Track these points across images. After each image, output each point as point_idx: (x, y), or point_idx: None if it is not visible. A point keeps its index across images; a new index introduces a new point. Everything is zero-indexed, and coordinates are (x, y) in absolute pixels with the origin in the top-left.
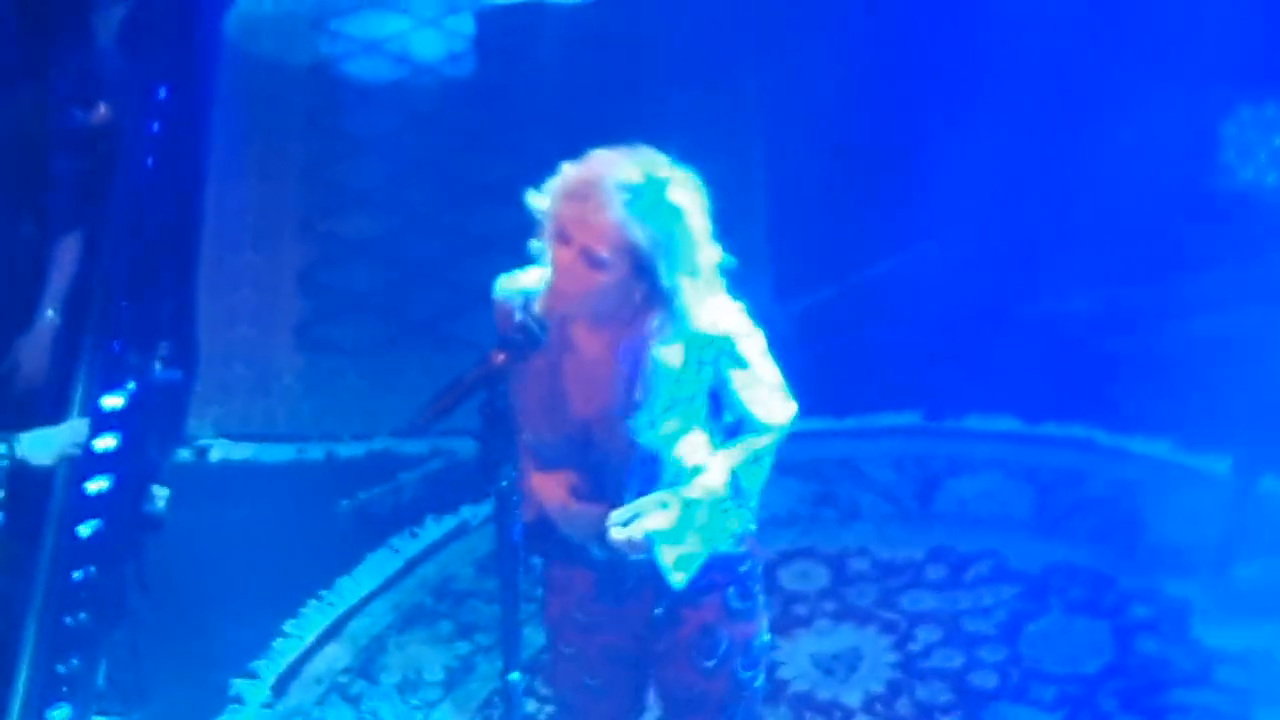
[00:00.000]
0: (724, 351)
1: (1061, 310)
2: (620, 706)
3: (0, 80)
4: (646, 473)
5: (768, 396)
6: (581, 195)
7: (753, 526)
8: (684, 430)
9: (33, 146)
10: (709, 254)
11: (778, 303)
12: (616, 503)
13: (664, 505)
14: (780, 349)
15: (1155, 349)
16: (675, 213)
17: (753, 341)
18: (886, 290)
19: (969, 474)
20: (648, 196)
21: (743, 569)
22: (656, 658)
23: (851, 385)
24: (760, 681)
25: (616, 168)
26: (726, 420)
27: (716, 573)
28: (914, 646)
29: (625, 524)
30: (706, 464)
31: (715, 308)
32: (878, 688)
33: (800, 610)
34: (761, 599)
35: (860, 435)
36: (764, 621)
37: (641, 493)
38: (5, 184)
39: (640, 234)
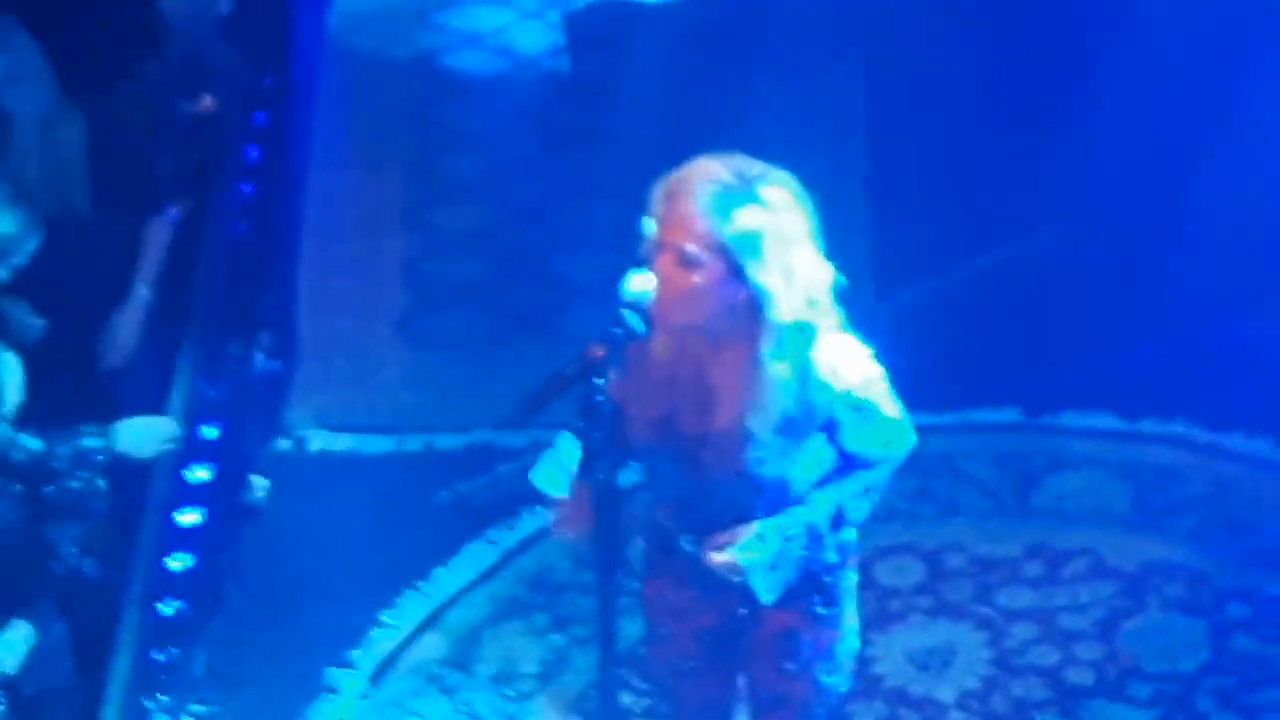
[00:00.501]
0: (839, 398)
1: (1161, 307)
2: (715, 690)
3: (107, 72)
4: (750, 499)
5: (884, 435)
6: (671, 196)
7: (852, 537)
8: (792, 463)
9: (138, 138)
10: (815, 266)
11: (878, 298)
12: (715, 521)
13: (761, 538)
14: (879, 344)
15: (1256, 346)
16: (766, 206)
17: (869, 378)
18: (986, 286)
19: (1067, 471)
20: (736, 192)
21: (829, 578)
22: (743, 653)
23: (950, 381)
24: (845, 686)
25: (707, 169)
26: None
27: (803, 579)
28: (1009, 643)
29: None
30: (811, 496)
31: (835, 351)
32: (972, 683)
33: (895, 605)
34: (851, 606)
35: (959, 431)
36: (851, 627)
37: (742, 517)
38: (111, 175)
39: (726, 226)
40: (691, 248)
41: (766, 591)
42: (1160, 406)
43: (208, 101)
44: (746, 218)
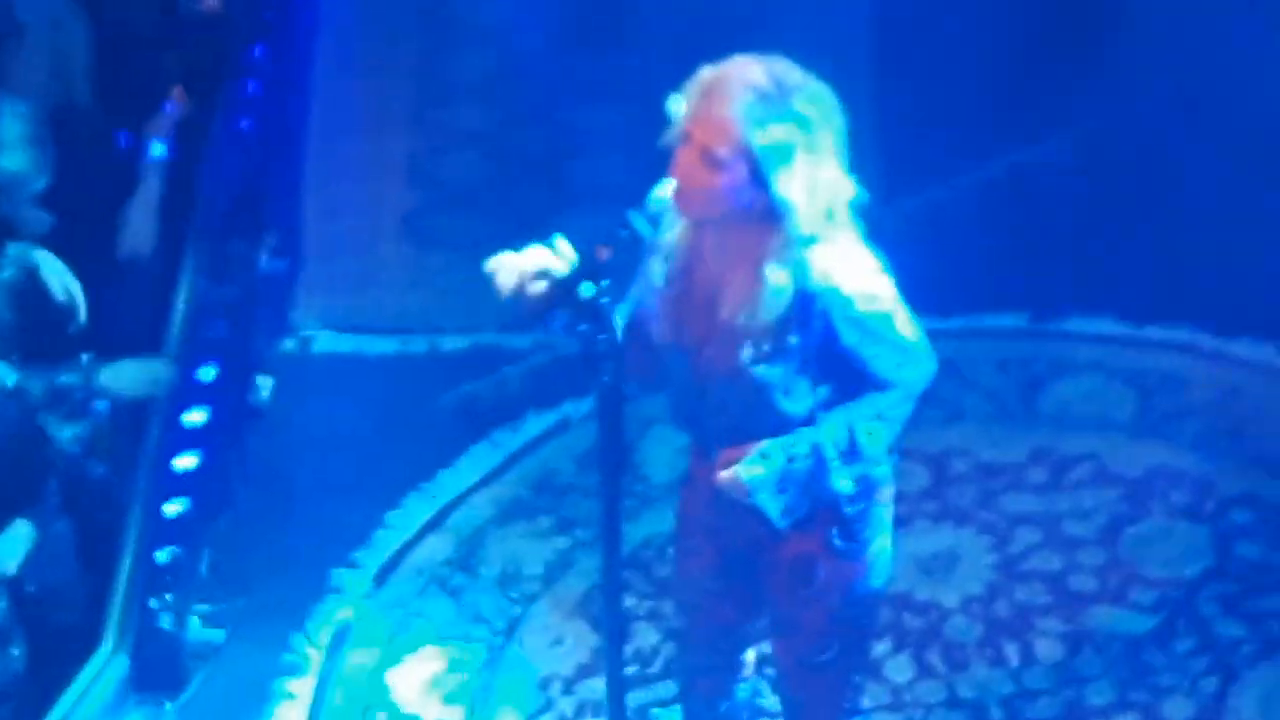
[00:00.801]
0: (832, 305)
1: (1167, 213)
2: (734, 613)
3: None
4: (753, 411)
5: (890, 354)
6: (706, 93)
7: (882, 471)
8: (794, 379)
9: (144, 37)
10: (838, 182)
11: (885, 202)
12: (724, 436)
13: (764, 453)
14: (887, 248)
15: (1262, 252)
16: (800, 120)
17: (868, 293)
18: (993, 193)
19: (1072, 376)
20: (772, 100)
21: (850, 510)
22: (764, 570)
23: (957, 286)
24: (865, 622)
25: (747, 70)
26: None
27: (823, 508)
28: (1013, 548)
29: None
30: (820, 417)
31: (841, 257)
32: (976, 589)
33: (900, 510)
34: (879, 543)
35: (964, 336)
36: (878, 565)
37: (748, 434)
38: (117, 75)
39: (758, 136)
40: (721, 149)
41: (778, 514)
42: (1166, 312)
43: (212, 1)
44: (779, 131)
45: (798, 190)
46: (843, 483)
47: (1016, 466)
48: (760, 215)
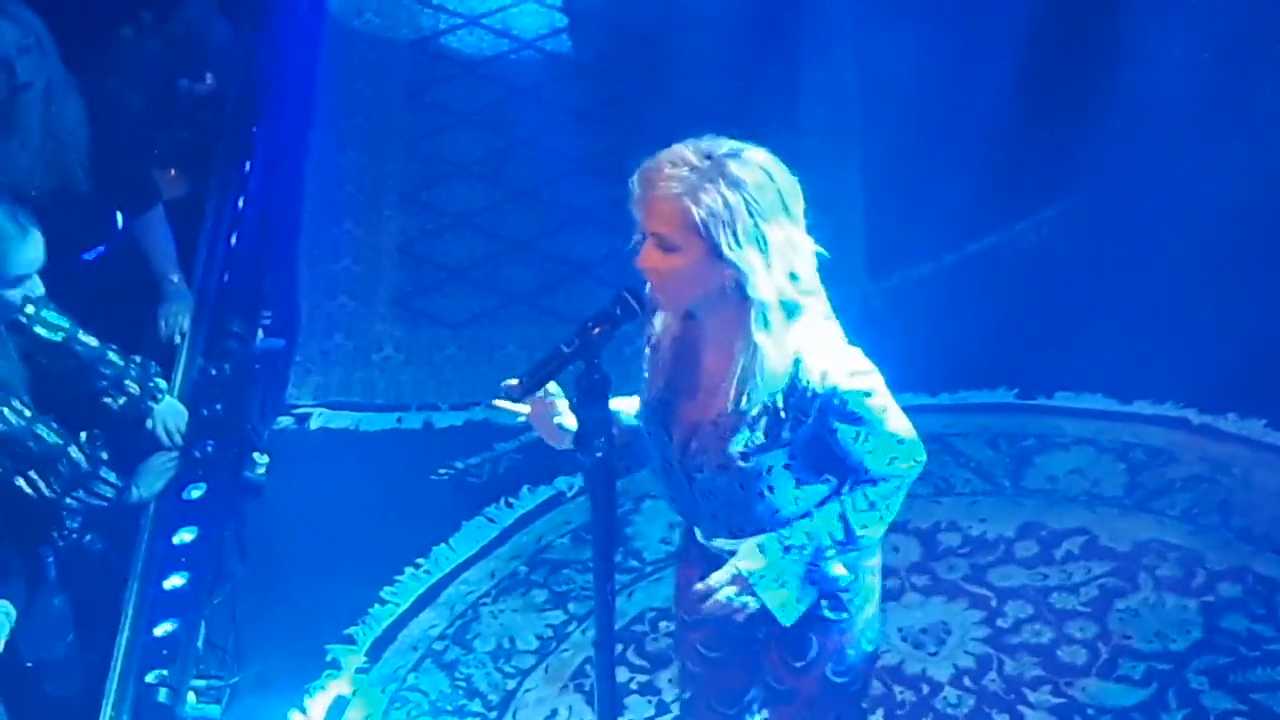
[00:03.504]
0: (828, 403)
1: (1154, 288)
2: (736, 680)
3: (106, 50)
4: (739, 501)
5: (884, 449)
6: (645, 184)
7: (870, 554)
8: (782, 472)
9: (137, 116)
10: (794, 240)
11: (871, 278)
12: (710, 524)
13: (761, 548)
14: (873, 325)
15: (1249, 329)
16: (735, 183)
17: (863, 389)
18: (980, 268)
19: (1060, 451)
20: (704, 171)
21: (841, 582)
22: (761, 644)
23: (944, 362)
24: (858, 687)
25: (676, 152)
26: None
27: (819, 585)
28: (1003, 622)
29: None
30: (814, 510)
31: (834, 355)
32: (967, 662)
33: (891, 584)
34: (867, 610)
35: (952, 411)
36: (867, 631)
37: (734, 522)
38: (111, 153)
39: (697, 210)
40: (669, 232)
41: (781, 610)
42: (1153, 388)
43: (208, 81)
44: (715, 196)
45: (750, 252)
46: (839, 570)
47: (1006, 541)
48: (732, 295)
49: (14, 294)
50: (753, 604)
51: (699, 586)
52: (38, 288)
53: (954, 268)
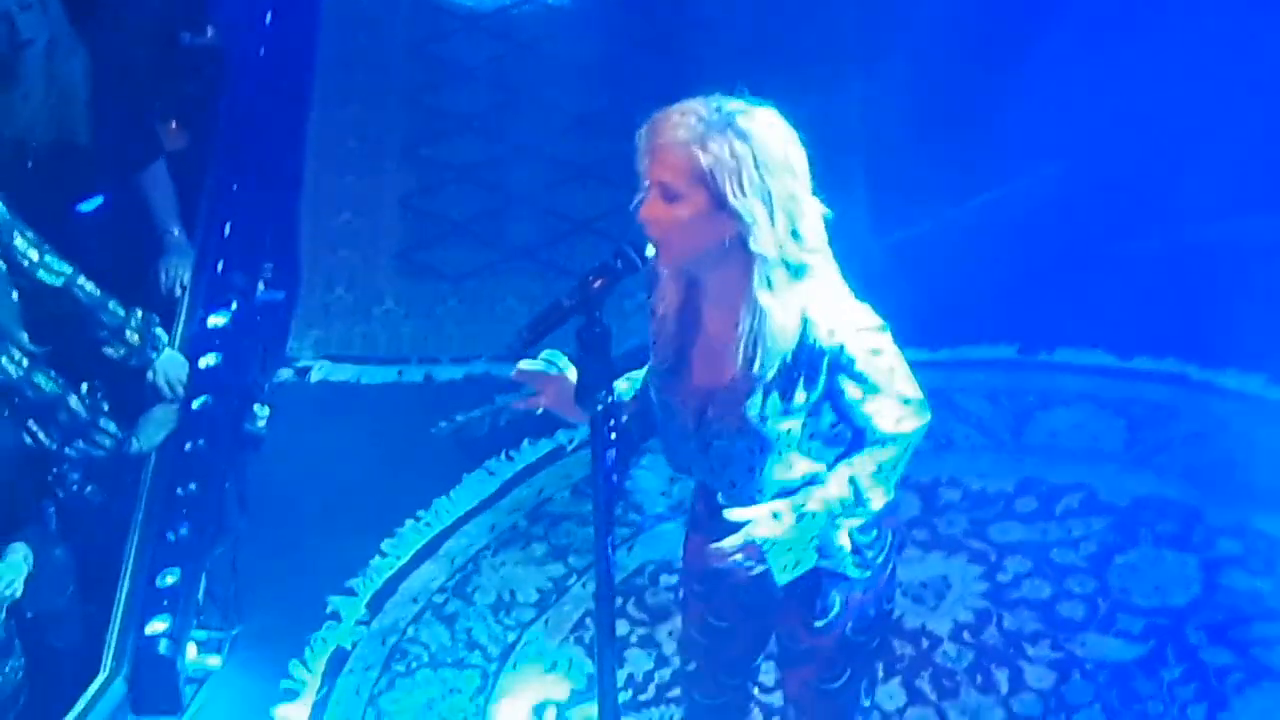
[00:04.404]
0: (836, 361)
1: (1156, 245)
2: (742, 650)
3: (107, 6)
4: (755, 466)
5: (891, 407)
6: (653, 133)
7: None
8: (798, 434)
9: (142, 70)
10: (798, 196)
11: (873, 235)
12: (724, 490)
13: (776, 515)
14: (875, 281)
15: (1250, 284)
16: (742, 135)
17: (871, 348)
18: (981, 224)
19: (1061, 407)
20: (713, 123)
21: (864, 537)
22: (775, 607)
23: (946, 318)
24: (875, 644)
25: (686, 105)
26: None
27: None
28: (1003, 577)
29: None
30: (824, 475)
31: (834, 314)
32: (966, 616)
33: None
34: (888, 571)
35: (954, 367)
36: (886, 591)
37: (752, 497)
38: (113, 107)
39: (704, 156)
40: (674, 180)
41: (782, 571)
42: (1154, 344)
43: (209, 34)
44: (722, 145)
45: (754, 203)
46: (843, 540)
47: (1006, 496)
48: (735, 250)
49: None
50: (759, 568)
51: (711, 548)
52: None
53: (956, 224)
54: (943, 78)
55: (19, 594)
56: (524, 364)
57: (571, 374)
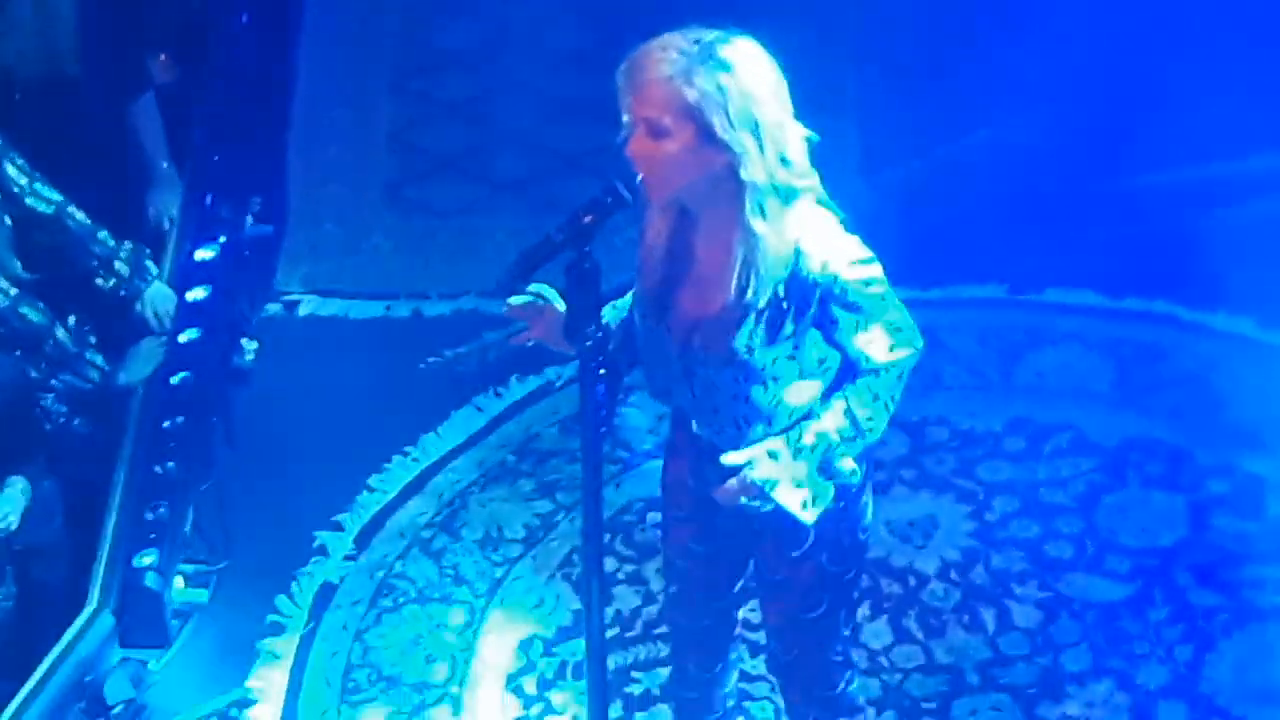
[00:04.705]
0: (829, 292)
1: (1145, 185)
2: (723, 575)
3: None
4: (740, 394)
5: (884, 336)
6: (633, 71)
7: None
8: (785, 363)
9: (131, 3)
10: (785, 124)
11: (863, 175)
12: (722, 436)
13: (773, 454)
14: (865, 221)
15: (1239, 225)
16: (725, 66)
17: (864, 279)
18: (971, 164)
19: (1049, 347)
20: (693, 55)
21: (853, 476)
22: (752, 535)
23: (935, 257)
24: (851, 575)
25: (664, 40)
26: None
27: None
28: (990, 516)
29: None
30: (818, 408)
31: (825, 242)
32: (953, 555)
33: (879, 477)
34: (863, 499)
35: (943, 306)
36: (862, 520)
37: (733, 414)
38: (102, 37)
39: (688, 90)
40: (660, 116)
41: (800, 508)
42: (1143, 285)
43: None
44: (707, 78)
45: (741, 134)
46: (848, 465)
47: (994, 435)
48: (724, 179)
49: None
50: (768, 506)
51: (716, 493)
52: None
53: (945, 163)
54: (933, 14)
55: (14, 526)
56: (513, 299)
57: (560, 307)
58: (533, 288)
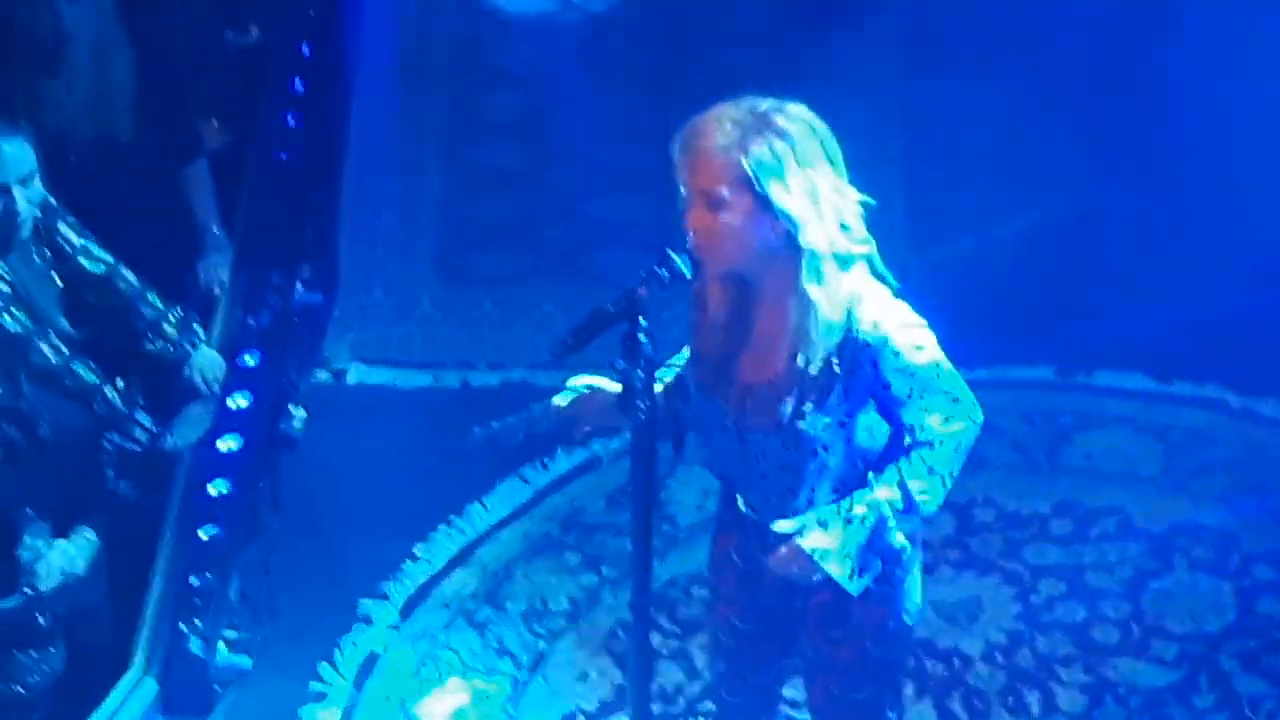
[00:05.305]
0: (881, 355)
1: (1196, 272)
2: (768, 653)
3: (152, 4)
4: (793, 464)
5: (939, 406)
6: (689, 142)
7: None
8: (838, 431)
9: (186, 68)
10: (841, 189)
11: (912, 251)
12: (764, 492)
13: (824, 523)
14: (914, 297)
15: None
16: (781, 134)
17: (916, 343)
18: (1023, 243)
19: (1098, 429)
20: (749, 125)
21: (903, 553)
22: (796, 614)
23: (984, 337)
24: (896, 658)
25: (719, 110)
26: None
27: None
28: (1036, 599)
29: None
30: (873, 479)
31: (887, 307)
32: (999, 637)
33: (925, 557)
34: (910, 584)
35: (991, 386)
36: (909, 605)
37: (786, 486)
38: (157, 104)
39: (745, 160)
40: (717, 186)
41: (848, 578)
42: (1193, 369)
43: (252, 33)
44: (763, 146)
45: (800, 200)
46: (900, 539)
47: (1041, 517)
48: (782, 248)
49: (19, 196)
50: (818, 576)
51: (770, 560)
52: (39, 192)
53: (996, 242)
54: (984, 95)
55: (81, 572)
56: (562, 398)
57: (610, 389)
58: (584, 380)
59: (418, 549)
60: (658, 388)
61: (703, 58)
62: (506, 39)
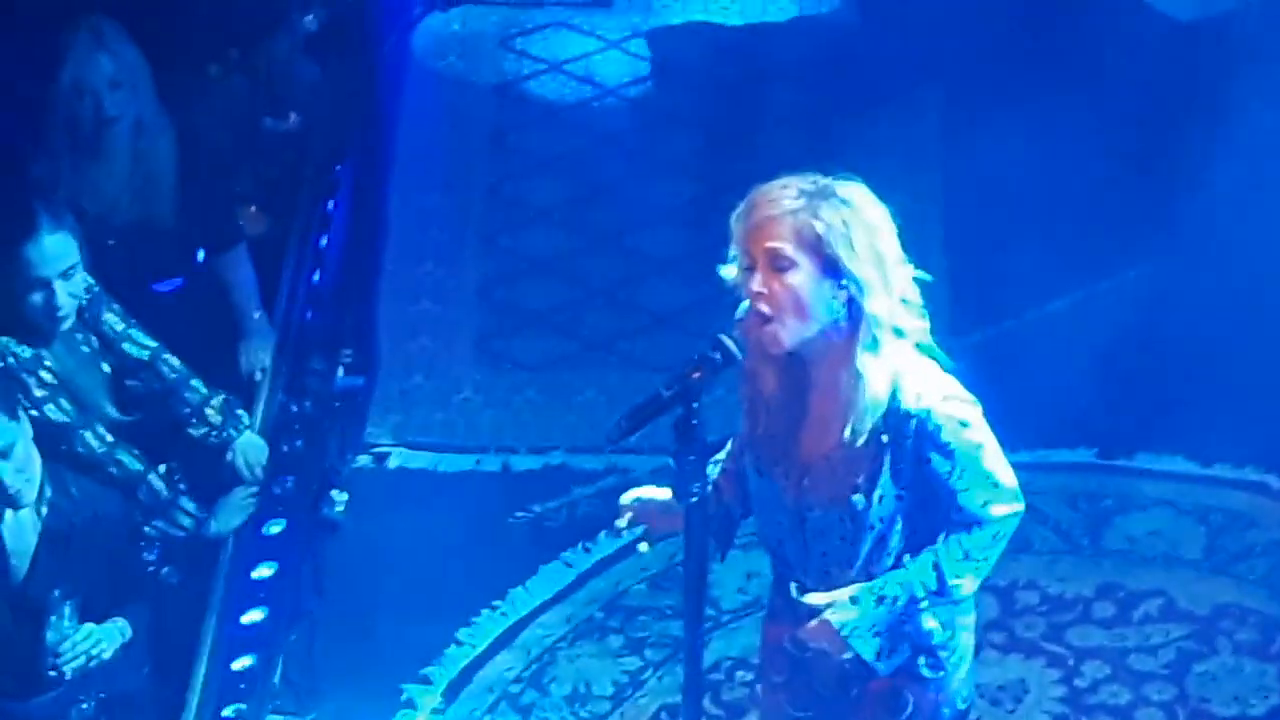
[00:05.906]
0: (924, 428)
1: (1236, 353)
2: None
3: (193, 89)
4: (849, 540)
5: (980, 489)
6: (752, 210)
7: (967, 608)
8: (891, 506)
9: (226, 154)
10: (901, 261)
11: (953, 333)
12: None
13: (855, 600)
14: (955, 378)
15: None
16: (847, 202)
17: (960, 418)
18: (1063, 326)
19: (1140, 512)
20: (815, 193)
21: (937, 639)
22: (853, 702)
23: (1024, 419)
24: None
25: (782, 182)
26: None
27: (911, 637)
28: (1080, 682)
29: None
30: (910, 559)
31: (933, 381)
32: None
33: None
34: (962, 670)
35: (1032, 469)
36: (961, 691)
37: (844, 564)
38: (197, 188)
39: (816, 222)
40: (783, 245)
41: (873, 657)
42: (1234, 451)
43: (291, 120)
44: (830, 212)
45: (867, 265)
46: (931, 624)
47: (1084, 600)
48: (842, 324)
49: (60, 290)
50: (847, 654)
51: (797, 633)
52: (81, 282)
53: (1036, 324)
54: (1024, 179)
55: (106, 657)
56: (619, 522)
57: (660, 495)
58: (631, 496)
59: (461, 633)
60: (712, 469)
61: (738, 141)
62: (544, 126)
